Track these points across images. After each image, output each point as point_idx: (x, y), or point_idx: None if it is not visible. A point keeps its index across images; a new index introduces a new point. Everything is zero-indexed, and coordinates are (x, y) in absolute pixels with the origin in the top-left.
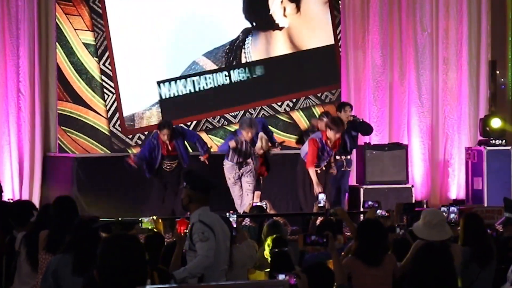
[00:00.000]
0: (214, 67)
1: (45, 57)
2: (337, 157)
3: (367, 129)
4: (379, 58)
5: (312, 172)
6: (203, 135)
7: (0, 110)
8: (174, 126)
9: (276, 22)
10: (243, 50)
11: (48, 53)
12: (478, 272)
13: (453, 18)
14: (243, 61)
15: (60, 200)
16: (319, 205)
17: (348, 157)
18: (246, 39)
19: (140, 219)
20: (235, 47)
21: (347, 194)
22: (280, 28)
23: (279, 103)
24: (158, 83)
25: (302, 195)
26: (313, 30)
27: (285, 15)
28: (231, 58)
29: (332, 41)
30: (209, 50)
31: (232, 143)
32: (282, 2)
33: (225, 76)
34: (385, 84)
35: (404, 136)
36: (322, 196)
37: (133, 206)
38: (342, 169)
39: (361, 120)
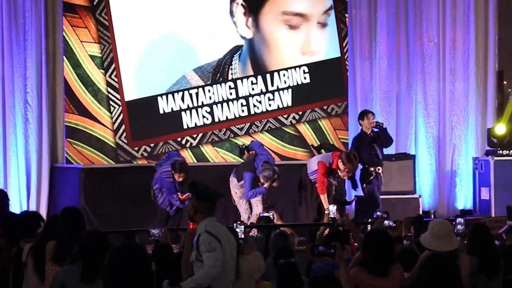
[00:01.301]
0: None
1: (52, 68)
2: (371, 169)
3: (388, 139)
4: (386, 68)
5: (323, 198)
6: (209, 148)
7: (7, 121)
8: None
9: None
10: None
11: (55, 64)
12: (486, 283)
13: (460, 28)
14: (251, 73)
15: (67, 211)
16: (330, 216)
17: (380, 169)
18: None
19: (148, 230)
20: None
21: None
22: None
23: (285, 116)
24: (161, 95)
25: (305, 208)
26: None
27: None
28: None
29: (338, 54)
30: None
31: (266, 184)
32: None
33: (230, 88)
34: (392, 94)
35: (411, 146)
36: (332, 208)
37: (141, 217)
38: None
39: (384, 126)
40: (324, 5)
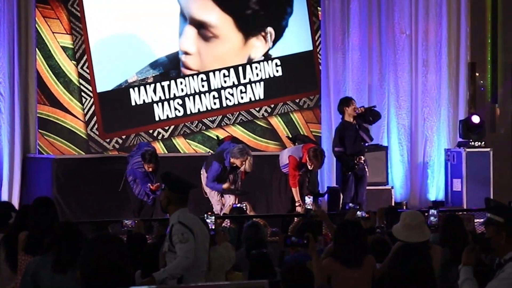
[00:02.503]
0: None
1: (24, 59)
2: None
3: (378, 115)
4: (358, 60)
5: (295, 192)
6: (181, 140)
7: None
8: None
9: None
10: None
11: (28, 55)
12: (457, 274)
13: (432, 20)
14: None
15: (39, 201)
16: (307, 207)
17: (363, 159)
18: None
19: (122, 221)
20: None
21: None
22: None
23: (257, 109)
24: (131, 87)
25: (278, 199)
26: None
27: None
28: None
29: (311, 47)
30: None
31: (226, 185)
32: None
33: (202, 80)
34: (364, 86)
35: (383, 138)
36: (309, 199)
37: (113, 207)
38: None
39: (375, 107)
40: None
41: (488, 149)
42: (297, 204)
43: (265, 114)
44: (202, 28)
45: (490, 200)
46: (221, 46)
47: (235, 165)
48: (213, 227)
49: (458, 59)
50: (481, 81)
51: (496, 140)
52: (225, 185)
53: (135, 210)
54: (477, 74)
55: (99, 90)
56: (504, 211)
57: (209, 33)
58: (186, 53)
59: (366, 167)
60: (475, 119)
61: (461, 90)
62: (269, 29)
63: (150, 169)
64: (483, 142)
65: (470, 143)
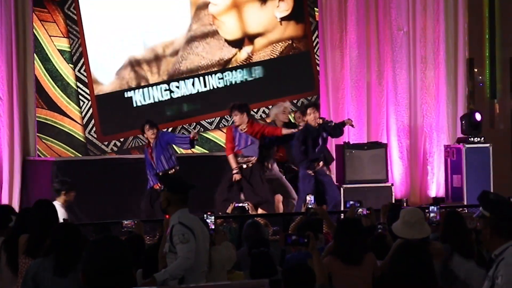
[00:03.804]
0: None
1: (23, 62)
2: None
3: (338, 133)
4: (356, 58)
5: (230, 158)
6: None
7: None
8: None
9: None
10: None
11: (26, 58)
12: (458, 270)
13: (430, 16)
14: (218, 58)
15: (40, 203)
16: (309, 206)
17: (320, 163)
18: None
19: (121, 222)
20: None
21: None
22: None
23: (255, 110)
24: (130, 90)
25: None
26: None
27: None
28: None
29: (307, 47)
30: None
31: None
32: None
33: (200, 81)
34: (363, 83)
35: (383, 135)
36: (310, 198)
37: (114, 209)
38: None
39: (332, 124)
40: None
41: (487, 145)
42: (234, 172)
43: (263, 115)
44: None
45: (488, 193)
46: None
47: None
48: (213, 227)
49: (456, 55)
50: (480, 77)
51: (495, 135)
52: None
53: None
54: (475, 70)
55: (96, 93)
56: (492, 206)
57: None
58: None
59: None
60: (478, 117)
61: (459, 86)
62: None
63: (153, 136)
64: (482, 138)
65: (470, 139)
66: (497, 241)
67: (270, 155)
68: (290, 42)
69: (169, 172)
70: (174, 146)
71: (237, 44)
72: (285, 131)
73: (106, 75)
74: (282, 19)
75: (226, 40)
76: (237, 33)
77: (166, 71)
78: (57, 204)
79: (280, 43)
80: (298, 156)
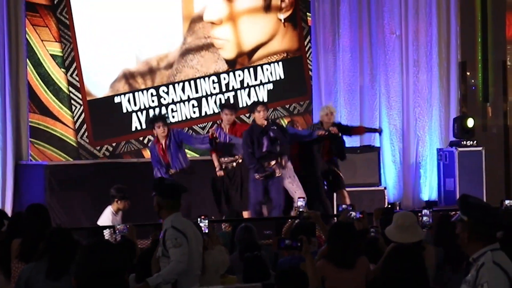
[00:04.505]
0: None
1: (15, 66)
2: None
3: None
4: (349, 61)
5: (213, 157)
6: None
7: None
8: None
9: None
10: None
11: (19, 63)
12: (451, 277)
13: (422, 20)
14: (213, 71)
15: (32, 208)
16: (300, 210)
17: (272, 162)
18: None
19: (113, 226)
20: None
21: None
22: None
23: (247, 115)
24: (121, 94)
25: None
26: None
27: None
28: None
29: (300, 52)
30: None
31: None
32: None
33: (194, 87)
34: (355, 87)
35: (376, 138)
36: (301, 202)
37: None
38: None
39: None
40: None
41: (480, 148)
42: (217, 170)
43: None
44: None
45: (468, 197)
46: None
47: None
48: (207, 231)
49: (449, 58)
50: (472, 80)
51: (488, 138)
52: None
53: None
54: (468, 73)
55: (88, 97)
56: (471, 210)
57: None
58: (212, 23)
59: (278, 169)
60: (470, 123)
61: (452, 89)
62: None
63: (164, 134)
64: (475, 141)
65: (462, 142)
66: (475, 246)
67: (284, 151)
68: (285, 55)
69: (187, 170)
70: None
71: (232, 63)
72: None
73: (98, 79)
74: (285, 20)
75: (224, 59)
76: (233, 50)
77: (161, 83)
78: (108, 210)
79: (275, 56)
80: (247, 159)
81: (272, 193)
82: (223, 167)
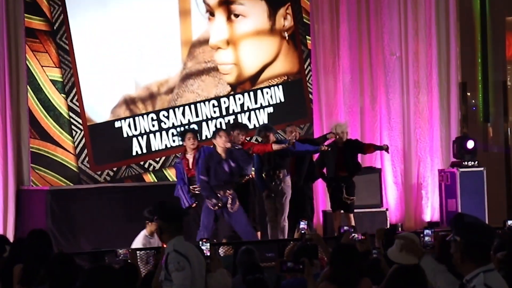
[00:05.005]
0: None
1: (16, 92)
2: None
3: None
4: (349, 83)
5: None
6: (173, 171)
7: None
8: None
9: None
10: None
11: (19, 89)
12: None
13: (422, 41)
14: (213, 95)
15: (34, 233)
16: (302, 231)
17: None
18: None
19: (115, 251)
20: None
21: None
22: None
23: (248, 139)
24: (122, 119)
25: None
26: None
27: None
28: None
29: (300, 75)
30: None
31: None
32: None
33: (193, 111)
34: (356, 108)
35: (377, 160)
36: (303, 224)
37: (108, 238)
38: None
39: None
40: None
41: (481, 169)
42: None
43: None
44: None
45: (463, 216)
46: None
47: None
48: (209, 254)
49: (449, 79)
50: (473, 101)
51: (489, 159)
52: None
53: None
54: (468, 93)
55: (89, 122)
56: (464, 230)
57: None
58: (218, 48)
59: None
60: (470, 144)
61: (452, 110)
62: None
63: (193, 146)
64: (476, 162)
65: (464, 163)
66: (468, 266)
67: (283, 165)
68: (285, 78)
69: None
70: None
71: (235, 86)
72: (275, 146)
73: (99, 104)
74: (289, 37)
75: (227, 83)
76: (237, 73)
77: (161, 108)
78: (142, 234)
79: (276, 79)
80: (201, 187)
81: (236, 227)
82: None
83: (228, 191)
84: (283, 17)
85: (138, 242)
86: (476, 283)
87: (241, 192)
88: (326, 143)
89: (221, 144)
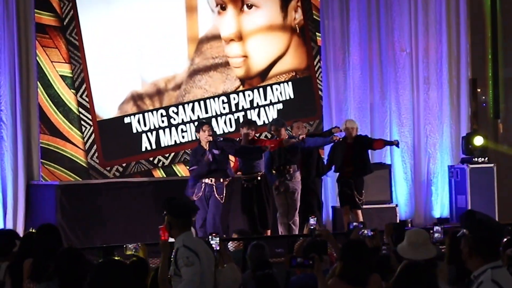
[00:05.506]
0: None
1: (26, 88)
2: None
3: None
4: (359, 79)
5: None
6: (182, 167)
7: None
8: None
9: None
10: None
11: (29, 84)
12: None
13: (432, 37)
14: (221, 91)
15: (43, 228)
16: (311, 227)
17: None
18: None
19: (124, 246)
20: None
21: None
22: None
23: (257, 135)
24: (131, 115)
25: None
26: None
27: None
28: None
29: (309, 72)
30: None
31: None
32: None
33: (203, 107)
34: (366, 105)
35: (386, 156)
36: (313, 220)
37: (117, 232)
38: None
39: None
40: None
41: (491, 165)
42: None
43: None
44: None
45: (474, 213)
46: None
47: None
48: (218, 248)
49: (459, 75)
50: (483, 97)
51: (499, 155)
52: None
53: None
54: (478, 90)
55: (98, 118)
56: (474, 226)
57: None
58: (230, 40)
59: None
60: (478, 141)
61: (462, 106)
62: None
63: (210, 138)
64: (486, 158)
65: (474, 159)
66: (475, 262)
67: (293, 160)
68: (293, 74)
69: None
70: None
71: (245, 81)
72: (286, 142)
73: (108, 100)
74: (300, 30)
75: (238, 77)
76: (247, 67)
77: (169, 104)
78: None
79: (284, 75)
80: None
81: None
82: (245, 185)
83: (214, 179)
84: (294, 9)
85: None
86: (483, 279)
87: (253, 189)
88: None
89: (203, 138)
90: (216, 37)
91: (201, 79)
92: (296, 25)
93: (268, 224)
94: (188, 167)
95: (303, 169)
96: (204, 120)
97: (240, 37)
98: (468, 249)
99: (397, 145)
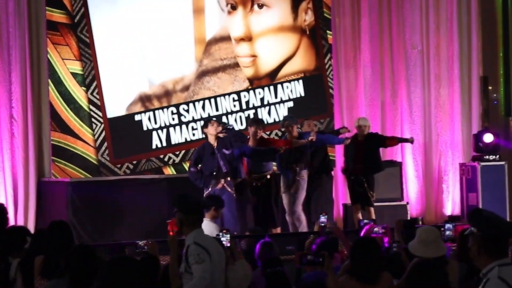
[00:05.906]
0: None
1: (37, 85)
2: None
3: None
4: (370, 76)
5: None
6: None
7: None
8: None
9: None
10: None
11: (40, 81)
12: None
13: (443, 35)
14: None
15: (54, 224)
16: (321, 225)
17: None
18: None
19: (135, 243)
20: None
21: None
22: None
23: (268, 133)
24: (142, 113)
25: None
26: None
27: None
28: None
29: (320, 70)
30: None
31: None
32: None
33: (213, 105)
34: (377, 102)
35: (397, 153)
36: (323, 217)
37: (128, 229)
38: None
39: (229, 127)
40: None
41: (503, 163)
42: None
43: (276, 138)
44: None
45: (481, 210)
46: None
47: None
48: (229, 245)
49: (470, 73)
50: (494, 95)
51: (510, 153)
52: None
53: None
54: (489, 87)
55: (109, 115)
56: (482, 223)
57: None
58: (240, 40)
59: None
60: (488, 138)
61: (474, 104)
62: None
63: (221, 135)
64: (497, 156)
65: (485, 157)
66: (484, 259)
67: (301, 159)
68: (302, 74)
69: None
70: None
71: (254, 82)
72: (295, 143)
73: (119, 97)
74: (309, 31)
75: (246, 78)
76: (257, 68)
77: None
78: (206, 220)
79: (292, 76)
80: (192, 177)
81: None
82: (253, 184)
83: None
84: (304, 11)
85: (209, 230)
86: (490, 276)
87: (263, 188)
88: (347, 135)
89: (212, 131)
90: (224, 38)
91: (210, 80)
92: (306, 27)
93: (277, 223)
94: (189, 167)
95: (310, 166)
96: (214, 118)
97: (250, 37)
98: (477, 247)
99: (412, 142)
